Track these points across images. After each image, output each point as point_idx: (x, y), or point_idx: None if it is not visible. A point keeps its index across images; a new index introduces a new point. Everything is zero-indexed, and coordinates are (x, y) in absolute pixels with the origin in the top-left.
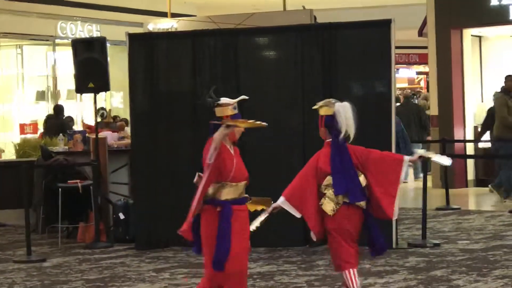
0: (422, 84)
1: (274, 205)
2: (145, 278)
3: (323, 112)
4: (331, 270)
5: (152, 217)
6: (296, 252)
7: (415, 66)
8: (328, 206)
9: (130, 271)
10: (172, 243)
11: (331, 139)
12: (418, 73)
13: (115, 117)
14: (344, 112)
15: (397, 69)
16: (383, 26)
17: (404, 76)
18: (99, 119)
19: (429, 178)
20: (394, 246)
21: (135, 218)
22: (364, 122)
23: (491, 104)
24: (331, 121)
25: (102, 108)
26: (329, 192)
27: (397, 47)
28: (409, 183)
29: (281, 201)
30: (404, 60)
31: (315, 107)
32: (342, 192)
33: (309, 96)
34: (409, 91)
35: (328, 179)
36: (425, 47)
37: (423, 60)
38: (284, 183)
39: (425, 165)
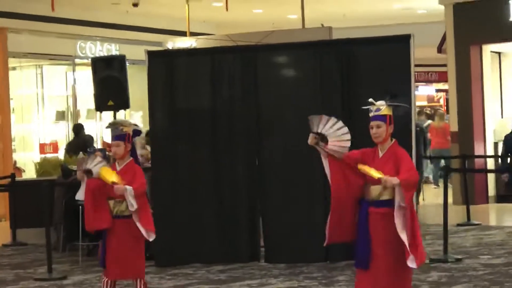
0: (442, 101)
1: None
2: None
3: None
4: (351, 286)
5: (172, 234)
6: (316, 268)
7: (434, 83)
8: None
9: None
10: (193, 260)
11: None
12: (438, 90)
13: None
14: None
15: (417, 87)
16: (402, 42)
17: (423, 94)
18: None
19: (449, 194)
20: None
21: (156, 235)
22: None
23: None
24: None
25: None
26: None
27: (416, 65)
28: (428, 199)
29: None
30: (423, 78)
31: None
32: None
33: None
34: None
35: None
36: (444, 65)
37: (442, 78)
38: (304, 201)
39: (446, 181)
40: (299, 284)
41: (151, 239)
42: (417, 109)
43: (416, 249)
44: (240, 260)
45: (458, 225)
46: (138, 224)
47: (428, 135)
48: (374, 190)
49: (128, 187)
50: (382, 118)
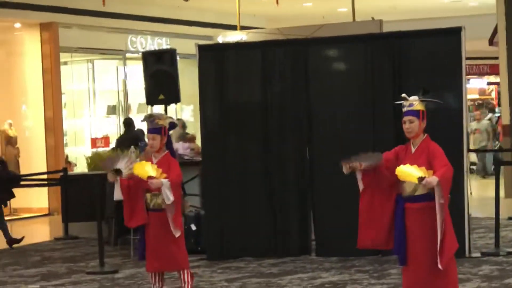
0: (493, 94)
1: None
2: None
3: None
4: None
5: (223, 227)
6: (368, 261)
7: (485, 76)
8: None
9: (203, 281)
10: (244, 254)
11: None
12: (489, 83)
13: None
14: None
15: (468, 79)
16: (453, 34)
17: (475, 87)
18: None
19: (501, 187)
20: (467, 255)
21: (207, 228)
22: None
23: None
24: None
25: (179, 119)
26: None
27: (467, 58)
28: (478, 192)
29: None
30: (475, 71)
31: None
32: None
33: (379, 106)
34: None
35: None
36: (496, 58)
37: (494, 71)
38: (355, 194)
39: (498, 174)
40: (351, 277)
41: (177, 236)
42: (470, 102)
43: (443, 246)
44: (291, 254)
45: (510, 218)
46: (170, 218)
47: (499, 128)
48: (408, 186)
49: (164, 180)
50: (415, 113)
